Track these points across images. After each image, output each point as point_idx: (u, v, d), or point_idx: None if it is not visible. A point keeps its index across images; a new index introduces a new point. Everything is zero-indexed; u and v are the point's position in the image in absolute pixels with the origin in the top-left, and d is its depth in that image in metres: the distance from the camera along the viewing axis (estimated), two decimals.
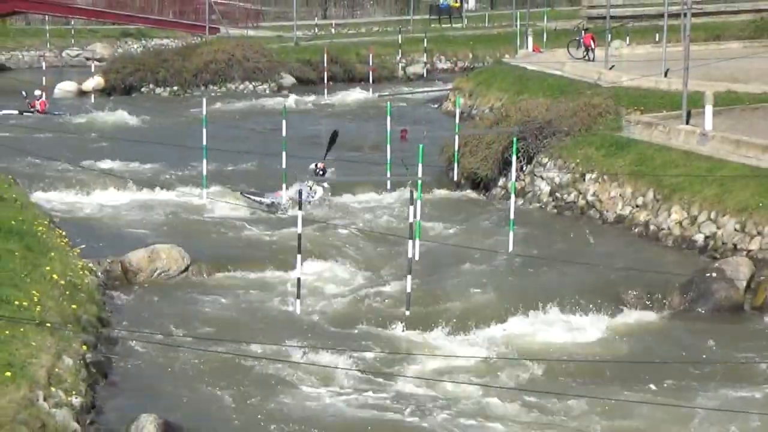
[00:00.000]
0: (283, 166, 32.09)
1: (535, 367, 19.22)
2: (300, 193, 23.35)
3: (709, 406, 16.96)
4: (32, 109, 51.67)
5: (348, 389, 17.75)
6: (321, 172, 31.64)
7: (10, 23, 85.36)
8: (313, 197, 30.62)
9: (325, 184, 31.36)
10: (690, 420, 16.56)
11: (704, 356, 19.89)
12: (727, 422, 16.38)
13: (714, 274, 23.34)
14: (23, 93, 52.40)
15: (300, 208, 22.33)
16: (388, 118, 34.66)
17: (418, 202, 24.65)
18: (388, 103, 38.63)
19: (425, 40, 75.48)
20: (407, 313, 21.31)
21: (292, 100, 56.16)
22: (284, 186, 30.97)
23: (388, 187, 33.01)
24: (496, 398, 17.52)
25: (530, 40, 62.13)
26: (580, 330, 21.61)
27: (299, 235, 21.90)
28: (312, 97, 59.48)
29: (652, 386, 18.28)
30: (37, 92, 52.77)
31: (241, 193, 31.75)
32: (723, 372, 18.94)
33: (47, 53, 75.67)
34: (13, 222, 22.80)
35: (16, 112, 51.17)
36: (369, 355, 19.43)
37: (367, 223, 29.77)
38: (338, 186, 33.37)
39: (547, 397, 17.54)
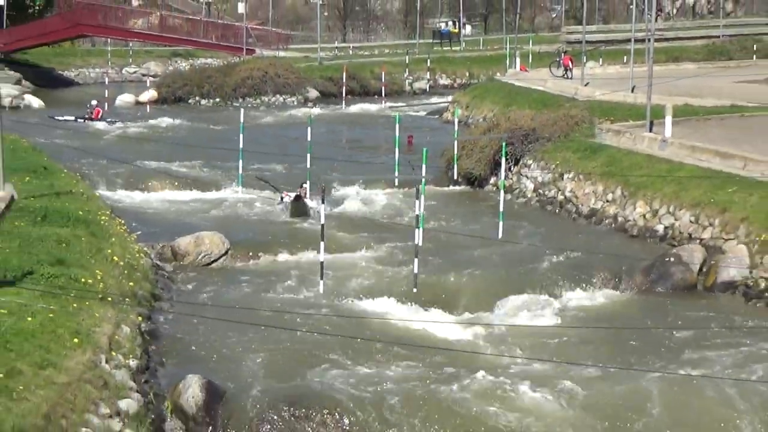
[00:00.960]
0: (308, 165, 32.10)
1: (521, 335, 19.20)
2: (323, 188, 23.28)
3: (667, 368, 16.96)
4: (87, 117, 51.67)
5: (366, 356, 17.69)
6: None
7: (77, 45, 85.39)
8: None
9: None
10: (646, 379, 16.51)
11: (663, 327, 19.87)
12: (682, 382, 16.36)
13: (672, 259, 23.33)
14: (93, 102, 52.66)
15: (323, 202, 22.30)
16: (397, 126, 34.64)
17: (422, 197, 24.62)
18: (397, 113, 38.63)
19: (429, 60, 75.77)
20: (414, 290, 21.28)
21: (316, 110, 56.16)
22: (307, 183, 30.96)
23: (396, 184, 33.01)
24: (486, 361, 17.49)
25: (518, 60, 62.22)
26: (558, 305, 21.57)
27: (322, 225, 21.87)
28: (333, 108, 59.51)
29: (620, 351, 18.25)
30: (93, 102, 52.93)
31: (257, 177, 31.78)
32: (678, 339, 18.95)
33: (109, 70, 75.96)
34: (80, 212, 22.79)
35: (72, 118, 51.25)
36: (383, 326, 19.41)
37: (379, 215, 29.76)
38: (354, 183, 33.39)
39: (531, 361, 17.49)
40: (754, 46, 64.49)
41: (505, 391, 16.06)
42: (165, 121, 51.58)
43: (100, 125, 50.30)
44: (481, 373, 16.77)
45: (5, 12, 63.70)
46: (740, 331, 19.73)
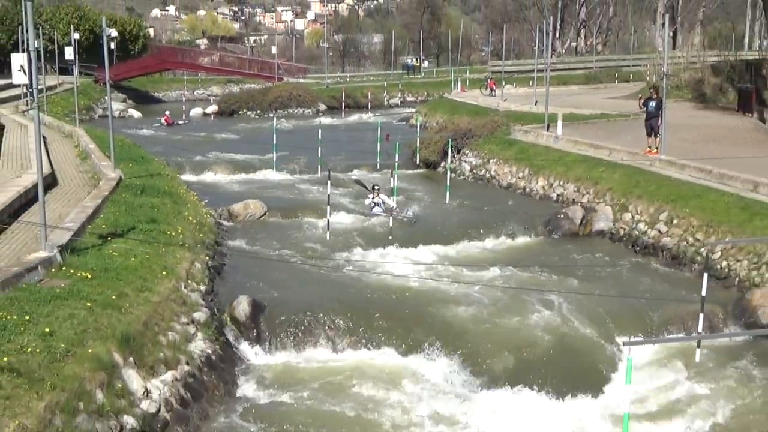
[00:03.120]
0: (319, 155, 32.05)
1: (465, 267, 19.28)
2: (329, 170, 23.18)
3: (559, 288, 17.04)
4: (160, 122, 52.41)
5: (358, 282, 17.68)
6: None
7: (164, 75, 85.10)
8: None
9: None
10: (548, 298, 16.60)
11: (556, 261, 19.99)
12: (570, 300, 16.45)
13: (562, 216, 23.37)
14: (167, 112, 53.68)
15: (329, 178, 22.22)
16: (378, 129, 34.54)
17: (396, 176, 24.58)
18: (379, 120, 38.51)
19: (400, 84, 75.50)
20: (390, 238, 21.26)
21: (325, 119, 55.96)
22: (318, 167, 30.86)
23: (378, 167, 32.94)
24: (439, 283, 17.58)
25: (459, 84, 61.94)
26: (487, 245, 21.75)
27: (328, 196, 21.82)
28: (336, 117, 59.33)
29: (528, 277, 18.34)
30: (167, 112, 54.14)
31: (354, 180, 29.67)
32: (566, 269, 19.03)
33: (185, 92, 75.40)
34: (166, 187, 22.73)
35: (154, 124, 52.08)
36: (369, 262, 19.44)
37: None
38: (350, 167, 33.31)
39: (471, 286, 17.52)
40: (616, 74, 64.47)
41: (448, 295, 16.18)
42: (224, 126, 51.50)
43: (171, 129, 50.51)
44: (436, 284, 16.88)
45: (114, 53, 63.30)
46: (605, 261, 19.88)
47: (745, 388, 12.68)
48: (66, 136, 34.42)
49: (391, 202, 23.88)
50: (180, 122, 53.86)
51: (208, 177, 32.10)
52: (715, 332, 15.22)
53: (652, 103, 25.89)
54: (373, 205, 24.32)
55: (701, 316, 13.84)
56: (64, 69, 60.92)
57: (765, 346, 14.32)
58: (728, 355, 14.12)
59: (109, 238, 15.92)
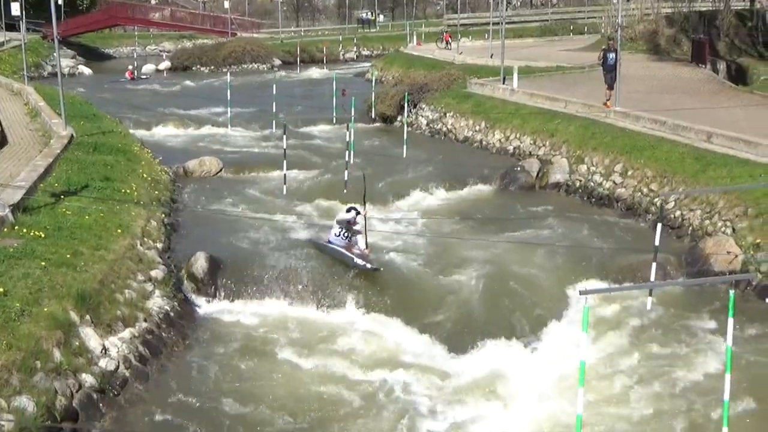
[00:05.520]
0: (274, 110, 31.81)
1: (421, 220, 19.38)
2: (285, 126, 22.96)
3: (512, 239, 17.20)
4: (125, 77, 52.44)
5: (314, 231, 17.71)
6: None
7: (114, 31, 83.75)
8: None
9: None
10: (504, 249, 16.75)
11: (512, 213, 20.17)
12: (526, 251, 16.63)
13: (519, 168, 23.49)
14: (130, 67, 53.94)
15: (284, 133, 22.06)
16: (334, 83, 34.31)
17: (352, 130, 24.48)
18: (334, 74, 38.25)
19: (355, 39, 74.97)
20: (345, 191, 21.13)
21: (279, 74, 55.47)
22: (273, 122, 30.68)
23: (334, 122, 32.79)
24: (395, 236, 17.66)
25: (415, 38, 61.60)
26: (444, 198, 21.88)
27: (284, 150, 21.72)
28: (291, 72, 58.79)
29: (485, 227, 18.46)
30: (130, 67, 54.02)
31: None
32: (522, 221, 19.23)
33: (137, 48, 74.29)
34: (119, 145, 22.48)
35: (120, 79, 51.76)
36: (326, 212, 19.46)
37: (323, 143, 29.59)
38: (306, 122, 33.09)
39: (427, 238, 17.67)
40: (571, 26, 64.62)
41: (404, 248, 16.29)
42: (176, 82, 50.90)
43: (133, 83, 50.18)
44: (392, 237, 16.99)
45: (62, 9, 61.98)
46: (561, 213, 20.07)
47: (693, 337, 12.93)
48: (15, 94, 33.73)
49: (361, 241, 15.76)
50: (143, 77, 54.40)
51: (162, 134, 31.71)
52: (669, 280, 15.47)
53: (612, 55, 25.64)
54: (337, 234, 15.91)
55: (654, 265, 14.05)
56: (11, 25, 59.38)
57: (716, 294, 14.60)
58: (680, 304, 14.38)
59: (62, 197, 15.72)
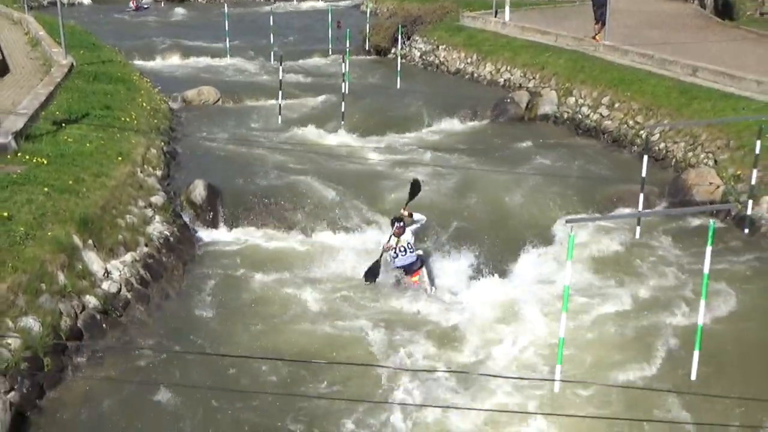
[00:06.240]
0: (272, 41, 31.47)
1: (414, 150, 19.38)
2: (281, 57, 22.76)
3: (500, 170, 17.23)
4: (129, 7, 51.86)
5: (310, 162, 17.70)
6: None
7: None
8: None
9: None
10: (492, 178, 16.81)
11: (501, 144, 20.18)
12: (513, 180, 16.69)
13: (509, 100, 23.38)
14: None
15: (280, 64, 21.88)
16: (329, 15, 33.86)
17: (347, 62, 24.24)
18: (330, 6, 37.76)
19: None
20: (342, 122, 21.12)
21: (277, 5, 54.71)
22: (271, 53, 30.37)
23: (330, 53, 32.45)
24: (389, 166, 17.68)
25: None
26: (436, 129, 21.85)
27: (280, 81, 21.57)
28: (289, 4, 57.93)
29: (477, 157, 18.53)
30: None
31: None
32: (512, 152, 19.27)
33: None
34: (119, 74, 22.25)
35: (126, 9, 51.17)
36: (320, 144, 19.44)
37: (319, 74, 29.33)
38: (302, 54, 32.75)
39: (420, 168, 17.66)
40: None
41: (397, 177, 16.32)
42: (176, 13, 50.21)
43: (133, 15, 49.62)
44: (386, 166, 16.99)
45: None
46: (550, 144, 20.10)
47: (670, 265, 13.10)
48: (15, 24, 33.25)
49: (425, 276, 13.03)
50: (145, 6, 53.71)
51: (160, 64, 31.32)
52: (654, 209, 15.59)
53: None
54: (396, 254, 12.89)
55: (641, 195, 14.15)
56: None
57: (697, 223, 14.75)
58: (664, 231, 14.52)
59: (63, 125, 15.65)
